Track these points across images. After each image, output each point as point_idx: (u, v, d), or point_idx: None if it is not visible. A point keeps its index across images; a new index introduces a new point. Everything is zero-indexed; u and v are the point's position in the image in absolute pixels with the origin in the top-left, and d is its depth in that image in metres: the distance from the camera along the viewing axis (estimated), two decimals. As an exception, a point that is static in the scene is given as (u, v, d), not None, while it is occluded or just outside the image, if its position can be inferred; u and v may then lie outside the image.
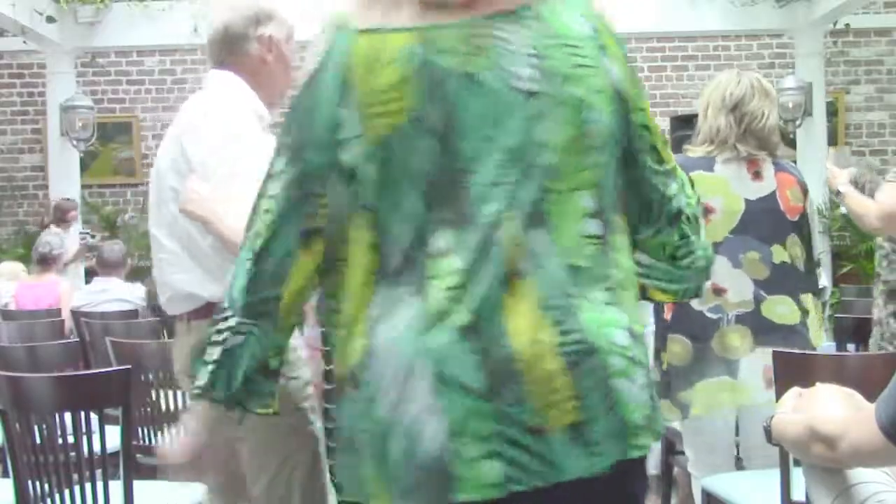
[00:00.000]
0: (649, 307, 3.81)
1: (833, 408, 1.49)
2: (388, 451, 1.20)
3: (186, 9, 7.80)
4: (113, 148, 9.27)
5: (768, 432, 1.62)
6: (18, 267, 6.49)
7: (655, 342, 2.97)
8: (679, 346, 2.85)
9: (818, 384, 1.58)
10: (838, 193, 3.14)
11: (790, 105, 7.86)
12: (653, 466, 3.94)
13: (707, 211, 2.80)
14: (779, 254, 2.85)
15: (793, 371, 2.25)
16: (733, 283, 2.81)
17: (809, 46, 8.19)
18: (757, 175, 2.87)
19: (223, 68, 2.33)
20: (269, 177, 1.32)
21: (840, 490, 1.54)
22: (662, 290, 1.45)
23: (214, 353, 1.34)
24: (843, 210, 3.14)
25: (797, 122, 8.02)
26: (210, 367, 1.33)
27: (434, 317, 1.20)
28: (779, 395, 1.80)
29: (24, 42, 7.87)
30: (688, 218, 1.40)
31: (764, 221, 2.85)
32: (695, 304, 2.81)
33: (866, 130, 9.41)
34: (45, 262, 6.13)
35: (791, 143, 8.00)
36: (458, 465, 1.17)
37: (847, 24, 8.32)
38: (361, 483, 1.24)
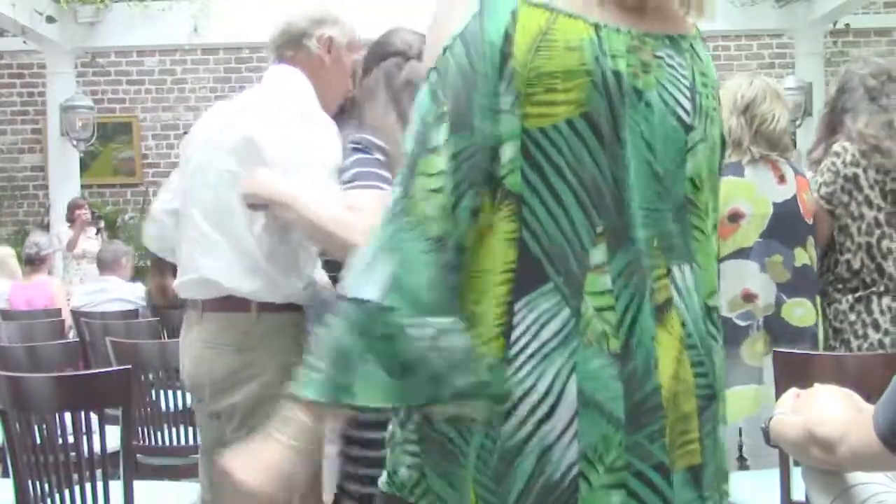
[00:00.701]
0: None
1: (832, 409, 1.48)
2: (514, 467, 1.13)
3: (186, 9, 7.81)
4: (113, 148, 9.27)
5: (766, 433, 1.61)
6: (8, 252, 6.48)
7: None
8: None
9: (817, 385, 1.58)
10: None
11: (790, 105, 7.86)
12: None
13: (737, 216, 2.84)
14: (800, 256, 2.88)
15: (792, 371, 2.25)
16: (762, 288, 2.84)
17: (809, 46, 8.19)
18: (781, 179, 2.90)
19: (284, 62, 2.34)
20: (426, 151, 1.14)
21: (839, 491, 1.54)
22: None
23: (430, 365, 1.12)
24: None
25: (797, 122, 8.02)
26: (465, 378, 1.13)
27: (587, 337, 1.13)
28: (778, 396, 1.80)
29: (24, 42, 7.88)
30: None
31: (788, 224, 2.88)
32: (724, 311, 2.80)
33: (866, 130, 9.40)
34: (33, 262, 6.13)
35: (791, 144, 8.01)
36: (584, 491, 1.14)
37: (847, 24, 8.33)
38: (461, 498, 1.18)
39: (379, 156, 2.06)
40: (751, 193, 2.87)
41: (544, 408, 1.12)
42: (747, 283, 2.84)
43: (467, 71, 1.13)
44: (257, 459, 1.19)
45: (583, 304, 1.13)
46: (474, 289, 1.15)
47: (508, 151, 1.13)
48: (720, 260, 2.80)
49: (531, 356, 1.13)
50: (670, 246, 1.18)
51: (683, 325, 1.18)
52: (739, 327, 2.84)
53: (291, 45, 2.32)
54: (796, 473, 2.03)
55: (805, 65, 8.24)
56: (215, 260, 2.23)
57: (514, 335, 1.13)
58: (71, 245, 7.33)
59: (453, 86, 1.13)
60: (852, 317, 2.95)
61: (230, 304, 2.22)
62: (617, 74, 1.14)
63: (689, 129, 1.20)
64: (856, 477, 1.54)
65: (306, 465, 1.21)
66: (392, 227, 1.14)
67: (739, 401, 2.78)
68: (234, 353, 2.22)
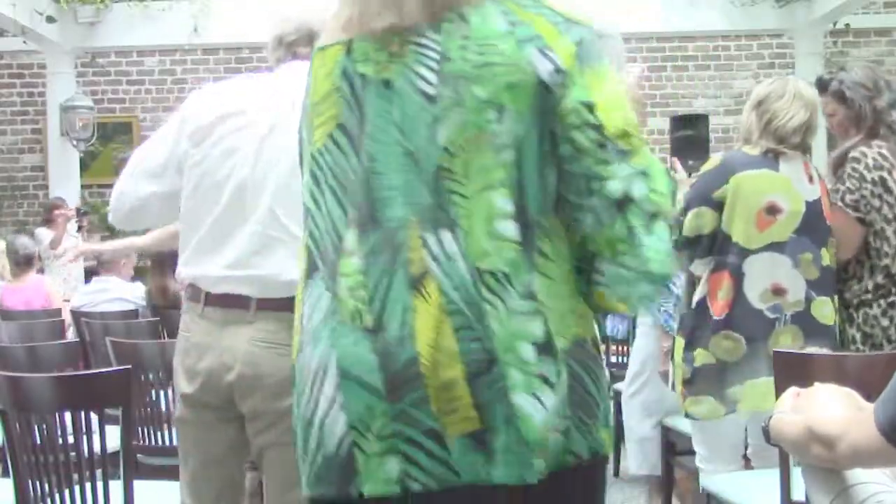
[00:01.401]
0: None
1: (832, 408, 1.48)
2: (307, 442, 1.29)
3: (186, 9, 7.81)
4: (113, 148, 9.26)
5: (767, 432, 1.61)
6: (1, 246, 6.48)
7: (688, 338, 2.96)
8: (730, 343, 2.86)
9: (817, 384, 1.58)
10: None
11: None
12: (654, 467, 3.95)
13: (774, 210, 2.87)
14: (826, 256, 2.92)
15: (792, 371, 2.25)
16: (792, 283, 2.86)
17: (809, 46, 8.19)
18: (811, 179, 2.94)
19: (298, 59, 2.23)
20: None
21: (839, 490, 1.54)
22: (619, 298, 1.30)
23: None
24: None
25: (798, 123, 8.01)
26: None
27: (342, 315, 1.25)
28: (778, 395, 1.80)
29: (24, 42, 7.88)
30: (640, 210, 1.24)
31: (816, 224, 2.92)
32: (755, 302, 2.85)
33: (866, 130, 9.40)
34: (19, 263, 6.14)
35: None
36: (360, 459, 1.23)
37: (847, 24, 8.32)
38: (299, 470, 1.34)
39: None
40: (788, 189, 2.89)
41: (317, 384, 1.27)
42: (778, 276, 2.86)
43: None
44: None
45: (338, 285, 1.26)
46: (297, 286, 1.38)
47: (306, 175, 1.36)
48: (755, 251, 2.84)
49: (309, 338, 1.29)
50: (426, 217, 1.23)
51: (443, 292, 1.21)
52: (768, 319, 2.85)
53: (305, 42, 2.26)
54: (796, 473, 2.03)
55: (805, 65, 8.23)
56: (285, 258, 2.06)
57: (303, 323, 1.31)
58: (55, 244, 7.31)
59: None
60: (885, 322, 2.96)
61: (286, 303, 1.93)
62: (363, 77, 1.29)
63: (433, 100, 1.25)
64: (855, 476, 1.54)
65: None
66: None
67: (762, 392, 2.76)
68: (289, 352, 2.01)
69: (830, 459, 1.45)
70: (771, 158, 2.91)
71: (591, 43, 1.27)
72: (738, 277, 2.86)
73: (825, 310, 2.90)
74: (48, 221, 7.51)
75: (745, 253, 2.86)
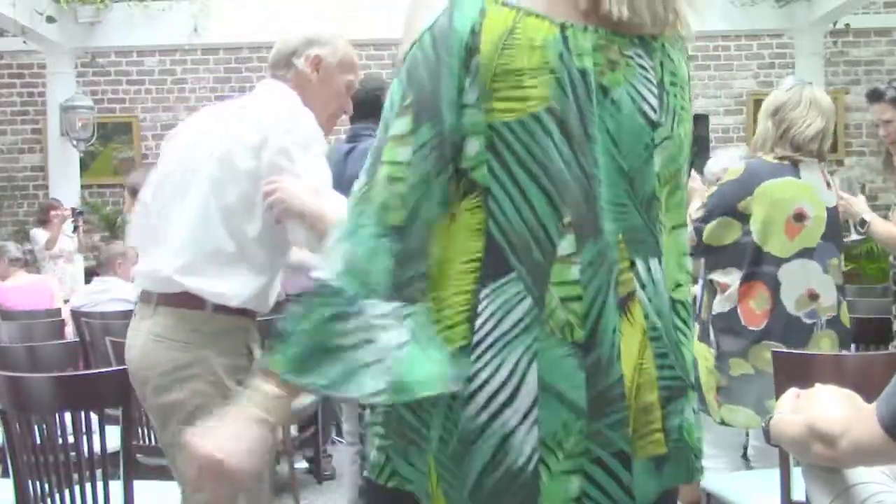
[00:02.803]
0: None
1: (833, 407, 1.48)
2: (473, 450, 1.16)
3: (186, 9, 7.81)
4: (113, 148, 9.27)
5: (767, 433, 1.62)
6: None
7: (717, 349, 2.99)
8: (770, 353, 2.85)
9: (817, 385, 1.58)
10: (863, 223, 3.25)
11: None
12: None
13: (802, 217, 2.90)
14: (844, 261, 3.00)
15: (792, 371, 2.25)
16: (824, 288, 2.88)
17: (809, 46, 8.19)
18: (828, 185, 2.99)
19: (275, 79, 2.44)
20: (391, 140, 1.17)
21: (839, 490, 1.54)
22: None
23: (367, 353, 1.14)
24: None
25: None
26: (376, 373, 1.14)
27: (549, 326, 1.15)
28: (778, 396, 1.80)
29: (24, 42, 7.88)
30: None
31: (837, 230, 2.98)
32: (791, 309, 2.88)
33: (866, 130, 9.40)
34: (16, 264, 6.17)
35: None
36: (544, 477, 1.16)
37: (847, 24, 8.32)
38: (419, 480, 1.20)
39: None
40: (811, 195, 2.92)
41: (505, 394, 1.15)
42: (812, 282, 2.89)
43: (434, 64, 1.15)
44: (225, 431, 1.20)
45: (547, 293, 1.15)
46: (440, 276, 1.17)
47: (474, 145, 1.16)
48: (788, 259, 2.86)
49: (493, 343, 1.15)
50: (636, 240, 1.21)
51: (647, 317, 1.20)
52: (806, 325, 2.88)
53: (282, 65, 2.40)
54: (796, 473, 2.03)
55: (805, 65, 8.23)
56: (178, 257, 2.25)
57: (477, 322, 1.16)
58: (50, 244, 7.31)
59: (420, 78, 1.16)
60: None
61: (185, 300, 2.24)
62: (583, 72, 1.16)
63: (655, 126, 1.22)
64: (856, 476, 1.54)
65: (271, 440, 1.23)
66: (355, 212, 1.17)
67: None
68: (181, 348, 2.24)
69: (832, 458, 1.45)
70: (790, 166, 2.93)
71: None
72: (774, 287, 2.88)
73: (846, 313, 2.97)
74: (43, 222, 7.50)
75: (779, 262, 2.88)
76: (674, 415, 1.22)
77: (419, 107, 1.15)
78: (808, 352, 2.70)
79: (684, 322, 1.26)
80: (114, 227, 8.90)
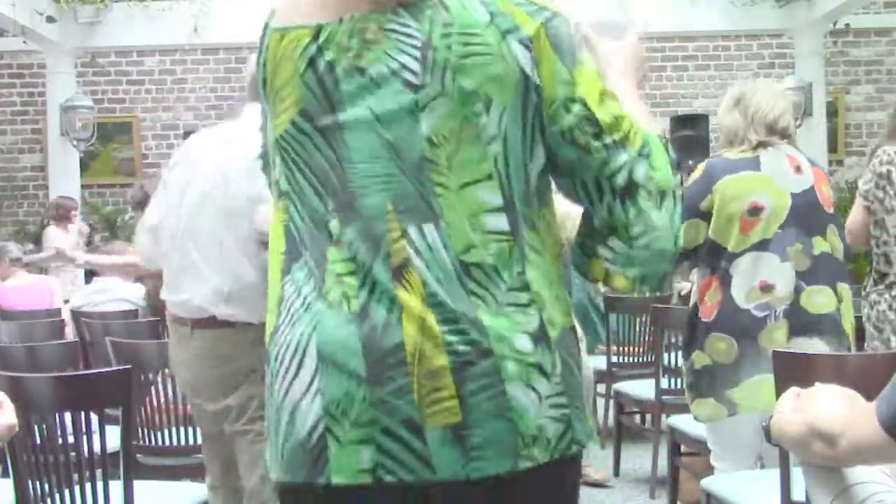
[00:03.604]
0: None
1: (833, 406, 1.48)
2: (278, 426, 1.26)
3: (186, 9, 7.81)
4: (113, 148, 9.27)
5: (767, 432, 1.61)
6: None
7: (685, 342, 3.03)
8: (724, 344, 2.89)
9: (818, 384, 1.58)
10: None
11: (789, 101, 7.86)
12: (659, 468, 3.96)
13: (757, 210, 2.89)
14: (819, 244, 2.93)
15: (793, 371, 2.24)
16: (781, 277, 2.87)
17: (809, 46, 8.19)
18: (798, 169, 2.97)
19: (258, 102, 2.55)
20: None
21: (839, 490, 1.54)
22: (623, 276, 1.32)
23: None
24: None
25: (797, 123, 8.01)
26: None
27: (327, 300, 1.22)
28: (778, 396, 1.80)
29: (24, 42, 7.88)
30: (648, 192, 1.26)
31: (806, 214, 2.94)
32: (741, 302, 2.88)
33: (866, 130, 9.40)
34: (9, 265, 6.17)
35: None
36: (332, 446, 1.20)
37: (847, 24, 8.33)
38: (269, 456, 1.31)
39: None
40: (770, 187, 2.91)
41: (293, 367, 1.24)
42: (764, 274, 2.88)
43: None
44: None
45: (326, 272, 1.24)
46: (270, 268, 1.34)
47: (276, 158, 1.32)
48: (740, 253, 2.86)
49: (288, 322, 1.26)
50: (407, 208, 1.22)
51: (426, 284, 1.20)
52: (756, 318, 2.87)
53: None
54: (796, 473, 2.03)
55: (805, 65, 8.24)
56: (204, 287, 2.52)
57: (282, 306, 1.28)
58: (63, 253, 7.19)
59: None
60: (892, 315, 3.02)
61: (216, 323, 2.54)
62: (330, 64, 1.24)
63: (417, 88, 1.22)
64: (856, 476, 1.54)
65: None
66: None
67: (760, 391, 2.79)
68: (223, 363, 2.55)
69: (832, 457, 1.45)
70: (751, 160, 2.93)
71: (562, 25, 1.26)
72: (726, 281, 2.90)
73: (819, 299, 2.90)
74: (60, 219, 7.38)
75: (731, 257, 2.90)
76: (471, 382, 1.19)
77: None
78: (808, 352, 2.70)
79: (481, 285, 1.21)
80: (114, 228, 8.90)
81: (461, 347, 1.19)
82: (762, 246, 2.89)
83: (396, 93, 1.22)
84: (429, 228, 1.21)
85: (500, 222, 1.23)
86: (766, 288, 2.87)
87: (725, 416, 2.89)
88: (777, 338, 2.84)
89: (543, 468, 1.23)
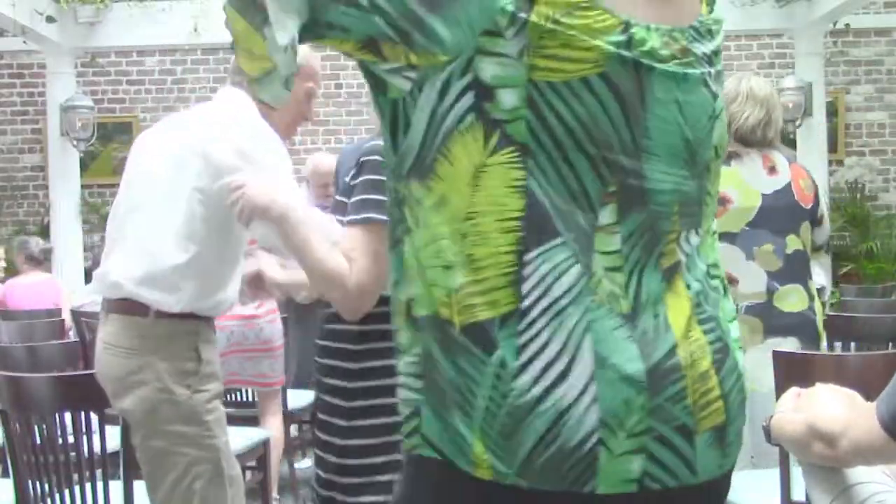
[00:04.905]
0: None
1: (833, 406, 1.48)
2: (525, 425, 1.08)
3: (186, 9, 7.80)
4: (113, 148, 9.26)
5: (767, 432, 1.62)
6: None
7: None
8: None
9: (818, 384, 1.58)
10: None
11: (790, 105, 7.86)
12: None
13: (724, 200, 2.93)
14: (792, 243, 2.95)
15: (793, 371, 2.25)
16: (746, 274, 2.89)
17: (809, 46, 8.19)
18: (772, 170, 2.98)
19: (233, 86, 2.50)
20: None
21: (839, 490, 1.54)
22: None
23: None
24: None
25: (797, 123, 8.02)
26: None
27: (598, 296, 1.09)
28: (778, 396, 1.80)
29: (24, 42, 7.87)
30: None
31: (780, 214, 2.95)
32: None
33: (866, 130, 9.40)
34: (33, 260, 6.17)
35: (791, 144, 8.01)
36: (603, 458, 1.09)
37: (847, 24, 8.32)
38: (460, 445, 1.12)
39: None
40: (738, 183, 2.94)
41: (559, 366, 1.07)
42: (729, 267, 2.89)
43: None
44: None
45: (593, 262, 1.09)
46: (470, 229, 1.09)
47: (510, 98, 1.07)
48: None
49: (544, 311, 1.08)
50: (688, 212, 1.17)
51: (689, 286, 1.17)
52: None
53: (239, 72, 2.44)
54: (796, 473, 2.03)
55: (805, 65, 8.24)
56: (127, 263, 2.35)
57: (525, 287, 1.08)
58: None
59: None
60: None
61: (129, 306, 2.33)
62: (648, 51, 1.11)
63: (715, 96, 1.19)
64: (856, 476, 1.54)
65: None
66: None
67: None
68: (126, 355, 2.32)
69: (832, 457, 1.45)
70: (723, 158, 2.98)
71: None
72: None
73: (791, 298, 2.92)
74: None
75: None
76: (728, 379, 1.18)
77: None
78: (809, 352, 2.70)
79: (715, 281, 1.24)
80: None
81: (717, 346, 1.18)
82: (728, 238, 2.92)
83: (701, 93, 1.17)
84: (692, 234, 1.20)
85: (714, 227, 1.27)
86: (729, 280, 2.90)
87: None
88: (741, 331, 2.86)
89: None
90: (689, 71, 1.14)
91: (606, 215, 1.10)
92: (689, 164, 1.16)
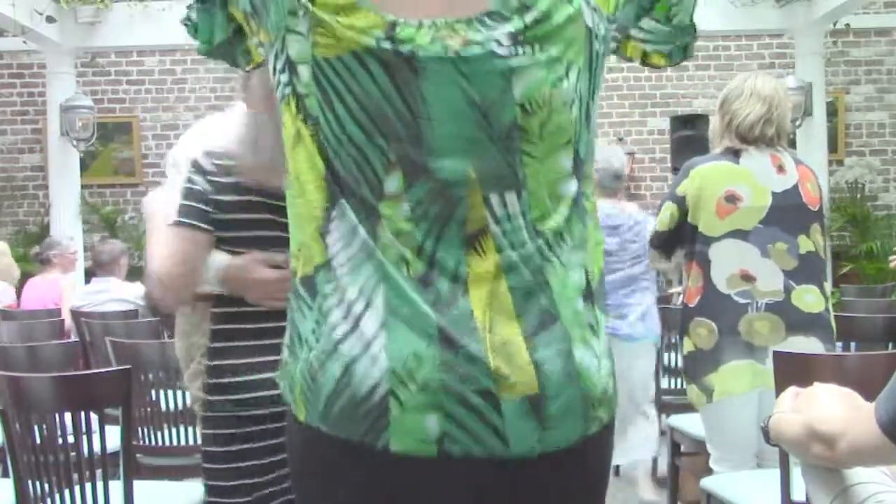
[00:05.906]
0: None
1: (832, 407, 1.48)
2: (324, 372, 1.14)
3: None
4: (113, 148, 9.27)
5: (766, 432, 1.61)
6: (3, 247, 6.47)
7: (679, 331, 3.11)
8: (705, 330, 2.94)
9: (816, 384, 1.58)
10: None
11: (790, 105, 7.86)
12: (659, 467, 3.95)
13: (735, 198, 2.93)
14: (804, 244, 2.96)
15: (792, 371, 2.25)
16: (763, 271, 2.90)
17: (809, 46, 8.19)
18: (781, 168, 3.00)
19: (242, 101, 2.53)
20: None
21: (839, 490, 1.54)
22: (660, 53, 1.34)
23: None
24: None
25: (797, 123, 8.02)
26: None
27: (387, 257, 1.14)
28: (778, 396, 1.80)
29: (24, 42, 7.87)
30: None
31: (789, 213, 2.96)
32: (722, 287, 2.92)
33: (866, 130, 9.41)
34: (44, 261, 6.17)
35: (791, 143, 8.00)
36: (394, 410, 1.11)
37: (847, 24, 8.32)
38: (291, 386, 1.20)
39: (203, 185, 2.04)
40: (749, 180, 2.95)
41: (354, 314, 1.14)
42: (745, 263, 2.92)
43: None
44: None
45: (380, 227, 1.14)
46: (299, 189, 1.19)
47: (305, 73, 1.16)
48: (718, 238, 2.89)
49: (344, 263, 1.16)
50: (491, 175, 1.15)
51: (500, 250, 1.14)
52: (738, 304, 2.91)
53: (241, 86, 2.47)
54: (796, 473, 2.03)
55: (805, 65, 8.23)
56: None
57: (329, 240, 1.17)
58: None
59: None
60: None
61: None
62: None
63: (510, 58, 1.13)
64: (855, 476, 1.54)
65: None
66: None
67: (734, 376, 2.87)
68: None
69: (831, 458, 1.45)
70: (731, 154, 3.00)
71: None
72: (705, 265, 2.94)
73: (809, 298, 2.92)
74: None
75: (709, 240, 2.95)
76: (544, 349, 1.14)
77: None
78: (807, 351, 2.70)
79: (552, 250, 1.17)
80: (113, 228, 8.90)
81: (531, 313, 1.15)
82: (741, 235, 2.93)
83: (486, 52, 1.13)
84: (511, 197, 1.15)
85: (571, 186, 1.20)
86: (747, 277, 2.91)
87: (705, 403, 2.94)
88: (760, 329, 2.88)
89: (602, 432, 1.21)
90: (471, 52, 1.13)
91: (393, 184, 1.14)
92: (481, 127, 1.14)
